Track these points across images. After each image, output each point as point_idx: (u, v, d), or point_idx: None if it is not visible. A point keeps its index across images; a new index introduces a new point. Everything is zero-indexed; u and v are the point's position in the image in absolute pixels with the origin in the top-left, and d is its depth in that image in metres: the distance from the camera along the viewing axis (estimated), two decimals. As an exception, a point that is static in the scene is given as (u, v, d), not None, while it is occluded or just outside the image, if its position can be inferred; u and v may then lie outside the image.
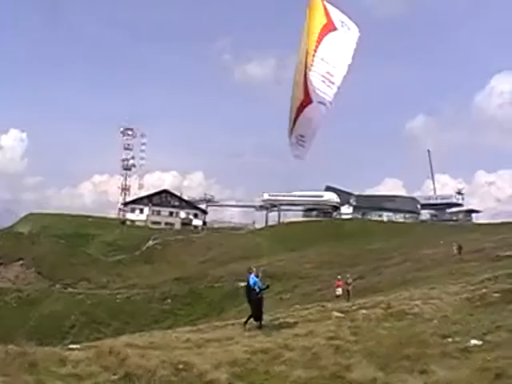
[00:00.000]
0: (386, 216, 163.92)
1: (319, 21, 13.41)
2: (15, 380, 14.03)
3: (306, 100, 14.01)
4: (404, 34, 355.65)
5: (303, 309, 36.77)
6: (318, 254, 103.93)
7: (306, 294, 64.17)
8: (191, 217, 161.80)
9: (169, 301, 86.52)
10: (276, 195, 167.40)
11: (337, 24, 13.46)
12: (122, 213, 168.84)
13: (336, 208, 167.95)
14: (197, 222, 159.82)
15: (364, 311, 26.89)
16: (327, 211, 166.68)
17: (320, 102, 13.88)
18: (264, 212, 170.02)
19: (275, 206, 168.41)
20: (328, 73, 13.36)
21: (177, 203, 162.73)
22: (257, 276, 24.34)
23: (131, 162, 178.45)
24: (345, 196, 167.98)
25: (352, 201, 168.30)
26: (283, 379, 15.45)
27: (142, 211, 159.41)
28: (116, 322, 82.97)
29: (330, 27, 13.41)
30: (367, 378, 14.70)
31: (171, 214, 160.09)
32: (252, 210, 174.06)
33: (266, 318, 26.20)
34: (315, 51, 13.17)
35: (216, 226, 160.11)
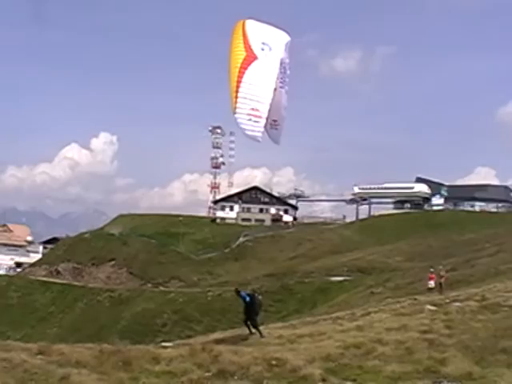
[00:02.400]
0: (478, 206, 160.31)
1: (240, 54, 13.77)
2: (110, 378, 14.41)
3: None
4: (493, 24, 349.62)
5: (395, 302, 36.35)
6: (409, 247, 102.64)
7: (397, 287, 63.25)
8: (281, 213, 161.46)
9: (260, 297, 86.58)
10: (366, 188, 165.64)
11: (257, 51, 13.72)
12: (212, 211, 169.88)
13: (427, 199, 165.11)
14: (287, 218, 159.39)
15: (458, 304, 26.44)
16: (418, 203, 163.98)
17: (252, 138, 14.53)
18: (354, 206, 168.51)
19: (365, 199, 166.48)
20: (253, 109, 13.59)
21: (267, 199, 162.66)
22: (249, 295, 24.55)
23: (220, 160, 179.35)
24: (436, 187, 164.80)
25: (443, 191, 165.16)
26: (376, 374, 15.27)
27: (232, 208, 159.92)
28: (207, 319, 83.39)
29: (250, 59, 13.68)
30: (462, 372, 14.41)
31: (261, 210, 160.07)
32: (342, 204, 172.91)
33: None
34: (237, 92, 13.54)
35: (306, 221, 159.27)
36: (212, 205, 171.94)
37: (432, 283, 44.72)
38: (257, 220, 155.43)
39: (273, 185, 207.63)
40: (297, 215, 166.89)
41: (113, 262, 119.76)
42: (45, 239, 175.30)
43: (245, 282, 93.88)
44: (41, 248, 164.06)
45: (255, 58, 13.40)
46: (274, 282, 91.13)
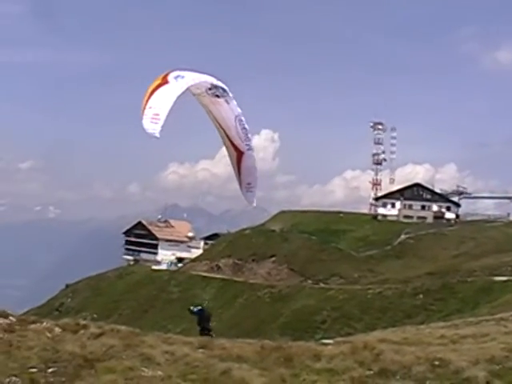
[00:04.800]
0: None
1: (156, 82, 15.70)
2: (271, 373, 14.53)
3: (239, 153, 16.27)
4: None
5: None
6: None
7: None
8: (443, 210, 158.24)
9: (421, 296, 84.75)
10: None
11: (170, 79, 15.79)
12: (373, 208, 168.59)
13: None
14: (449, 215, 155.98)
15: None
16: None
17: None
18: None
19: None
20: (155, 114, 15.20)
21: (429, 196, 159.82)
22: (200, 309, 25.72)
23: (382, 156, 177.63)
24: None
25: None
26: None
27: (393, 205, 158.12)
28: (367, 317, 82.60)
29: (162, 84, 15.67)
30: None
31: (423, 207, 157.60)
32: (507, 201, 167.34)
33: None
34: (146, 103, 15.32)
35: (469, 218, 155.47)
36: (373, 201, 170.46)
37: None
38: (418, 217, 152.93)
39: (435, 181, 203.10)
40: (459, 212, 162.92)
41: (273, 259, 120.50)
42: (206, 235, 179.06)
43: (406, 279, 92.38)
44: (202, 244, 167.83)
45: (167, 82, 15.31)
46: (435, 281, 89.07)
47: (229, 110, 16.28)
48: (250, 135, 16.37)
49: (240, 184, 16.67)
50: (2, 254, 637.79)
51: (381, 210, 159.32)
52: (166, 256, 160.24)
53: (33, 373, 13.07)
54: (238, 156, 16.39)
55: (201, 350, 16.61)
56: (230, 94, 16.37)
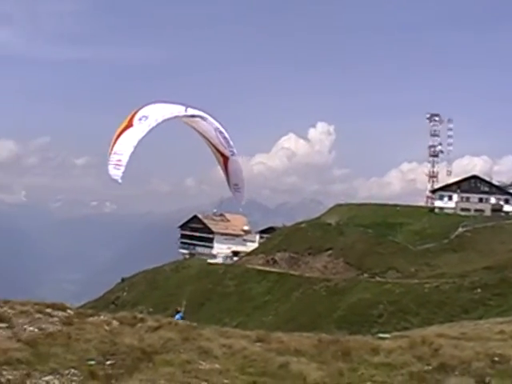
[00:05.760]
0: None
1: (122, 125, 16.72)
2: (329, 367, 14.59)
3: (224, 158, 17.93)
4: None
5: None
6: None
7: None
8: (502, 202, 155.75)
9: (478, 290, 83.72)
10: None
11: (134, 122, 16.78)
12: (430, 200, 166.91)
13: None
14: (508, 208, 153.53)
15: None
16: None
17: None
18: None
19: None
20: (118, 160, 16.37)
21: (486, 189, 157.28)
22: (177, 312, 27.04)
23: (439, 148, 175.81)
24: None
25: None
26: None
27: (450, 198, 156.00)
28: (424, 311, 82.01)
29: (127, 128, 16.68)
30: None
31: (481, 200, 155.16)
32: None
33: None
34: (111, 149, 16.43)
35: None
36: (430, 194, 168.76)
37: None
38: (476, 210, 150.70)
39: (493, 173, 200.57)
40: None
41: (329, 252, 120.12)
42: (261, 229, 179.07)
43: (463, 274, 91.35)
44: (257, 237, 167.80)
45: (131, 126, 16.39)
46: (493, 275, 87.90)
47: (207, 125, 17.59)
48: (231, 143, 17.80)
49: (229, 185, 18.19)
50: (58, 249, 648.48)
51: (438, 203, 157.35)
52: (221, 250, 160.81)
53: (91, 365, 13.22)
54: (224, 161, 17.97)
55: (258, 344, 16.77)
56: (203, 114, 17.58)
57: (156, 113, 16.74)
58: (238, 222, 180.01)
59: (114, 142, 16.23)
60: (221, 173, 19.10)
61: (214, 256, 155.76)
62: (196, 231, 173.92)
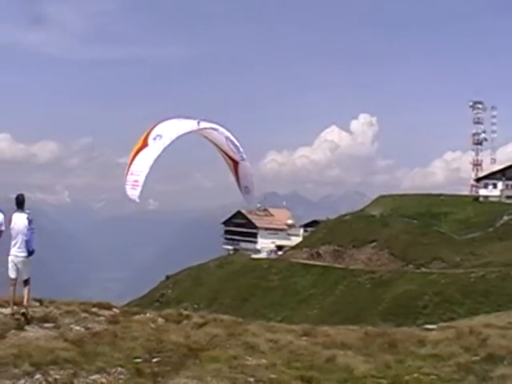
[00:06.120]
0: None
1: (137, 146, 17.13)
2: (376, 360, 14.64)
3: (235, 163, 18.63)
4: None
5: None
6: None
7: None
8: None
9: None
10: None
11: (149, 142, 17.13)
12: (474, 189, 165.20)
13: None
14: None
15: None
16: None
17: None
18: None
19: None
20: (135, 181, 16.80)
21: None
22: None
23: (482, 136, 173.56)
24: None
25: None
26: None
27: (495, 186, 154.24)
28: (469, 301, 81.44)
29: (142, 148, 17.07)
30: None
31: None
32: None
33: None
34: (128, 170, 16.78)
35: None
36: (474, 183, 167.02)
37: None
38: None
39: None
40: None
41: (373, 244, 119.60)
42: (305, 222, 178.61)
43: (509, 262, 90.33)
44: (301, 231, 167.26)
45: (146, 145, 16.89)
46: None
47: (218, 135, 18.26)
48: (241, 149, 18.56)
49: (240, 188, 18.97)
50: (103, 249, 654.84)
51: (482, 192, 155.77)
52: (265, 244, 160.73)
53: (138, 363, 13.28)
54: (234, 165, 18.71)
55: (304, 338, 16.87)
56: (214, 126, 18.23)
57: (169, 130, 17.35)
58: (282, 216, 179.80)
59: (131, 163, 16.82)
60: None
61: (258, 251, 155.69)
62: (240, 226, 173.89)
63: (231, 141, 18.43)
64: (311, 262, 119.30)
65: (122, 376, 12.48)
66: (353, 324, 22.44)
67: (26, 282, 16.85)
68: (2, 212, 17.75)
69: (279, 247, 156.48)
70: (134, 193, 16.61)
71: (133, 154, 16.97)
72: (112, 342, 14.57)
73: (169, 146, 17.23)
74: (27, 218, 16.76)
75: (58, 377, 12.09)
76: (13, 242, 16.89)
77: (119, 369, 12.72)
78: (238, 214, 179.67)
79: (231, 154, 18.65)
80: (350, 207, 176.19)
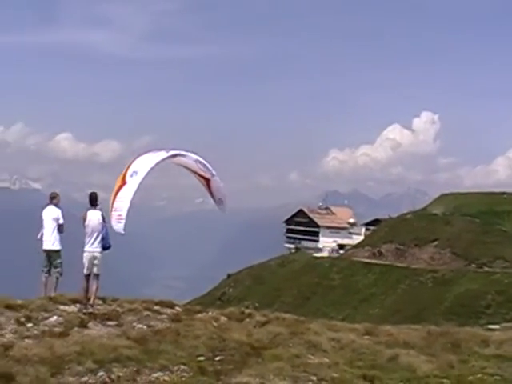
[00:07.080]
0: None
1: (118, 184, 18.42)
2: (438, 359, 14.52)
3: (206, 180, 20.21)
4: None
5: None
6: None
7: None
8: None
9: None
10: None
11: (127, 179, 18.39)
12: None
13: None
14: None
15: None
16: None
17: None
18: None
19: None
20: (119, 215, 18.04)
21: None
22: None
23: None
24: None
25: None
26: None
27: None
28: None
29: (122, 186, 18.37)
30: None
31: None
32: None
33: None
34: (112, 206, 17.99)
35: None
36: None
37: None
38: None
39: None
40: None
41: (436, 243, 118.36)
42: (367, 221, 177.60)
43: None
44: (363, 230, 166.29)
45: (125, 183, 18.13)
46: None
47: (187, 160, 19.92)
48: (210, 167, 20.14)
49: (214, 200, 20.63)
50: (165, 248, 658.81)
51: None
52: (327, 243, 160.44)
53: (201, 361, 13.39)
54: (207, 182, 20.28)
55: (367, 337, 16.90)
56: (183, 152, 19.88)
57: (143, 166, 18.72)
58: (344, 215, 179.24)
59: (114, 200, 18.05)
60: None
61: (320, 250, 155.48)
62: (301, 225, 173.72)
63: (200, 161, 19.96)
64: (373, 261, 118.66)
65: (184, 374, 12.60)
66: (414, 323, 22.35)
67: (96, 278, 17.62)
68: (60, 208, 19.22)
69: (341, 246, 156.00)
70: (119, 226, 17.85)
71: (114, 191, 18.27)
72: (174, 340, 14.71)
73: (143, 180, 18.59)
74: (101, 215, 17.93)
75: (120, 374, 12.28)
76: (87, 239, 17.74)
77: (182, 367, 12.84)
78: (300, 212, 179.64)
79: (202, 173, 20.18)
80: (411, 205, 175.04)
